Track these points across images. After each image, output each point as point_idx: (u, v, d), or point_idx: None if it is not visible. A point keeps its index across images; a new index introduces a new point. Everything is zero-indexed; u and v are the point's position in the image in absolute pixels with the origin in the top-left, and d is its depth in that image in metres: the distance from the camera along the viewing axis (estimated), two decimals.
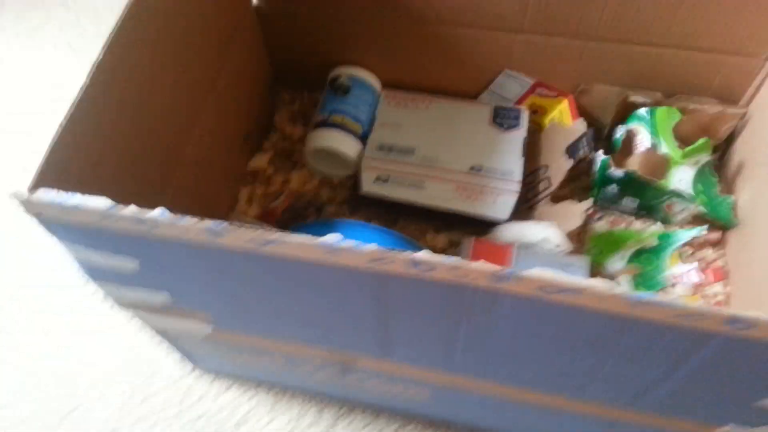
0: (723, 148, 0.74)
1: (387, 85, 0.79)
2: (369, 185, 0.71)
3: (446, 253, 0.71)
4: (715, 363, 0.38)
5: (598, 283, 0.35)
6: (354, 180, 0.76)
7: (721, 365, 0.38)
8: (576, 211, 0.67)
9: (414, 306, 0.41)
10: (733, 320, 0.34)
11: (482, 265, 0.35)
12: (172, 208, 0.37)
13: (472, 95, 0.78)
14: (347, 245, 0.36)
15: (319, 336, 0.48)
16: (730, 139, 0.72)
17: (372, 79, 0.78)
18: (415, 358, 0.48)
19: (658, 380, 0.42)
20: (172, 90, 0.59)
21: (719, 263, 0.70)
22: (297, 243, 0.36)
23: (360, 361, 0.51)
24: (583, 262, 0.64)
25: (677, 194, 0.67)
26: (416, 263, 0.36)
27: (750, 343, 0.35)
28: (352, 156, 0.73)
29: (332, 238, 0.36)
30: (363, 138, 0.74)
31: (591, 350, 0.40)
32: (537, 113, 0.78)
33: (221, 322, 0.50)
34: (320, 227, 0.65)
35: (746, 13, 0.61)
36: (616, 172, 0.67)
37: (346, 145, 0.73)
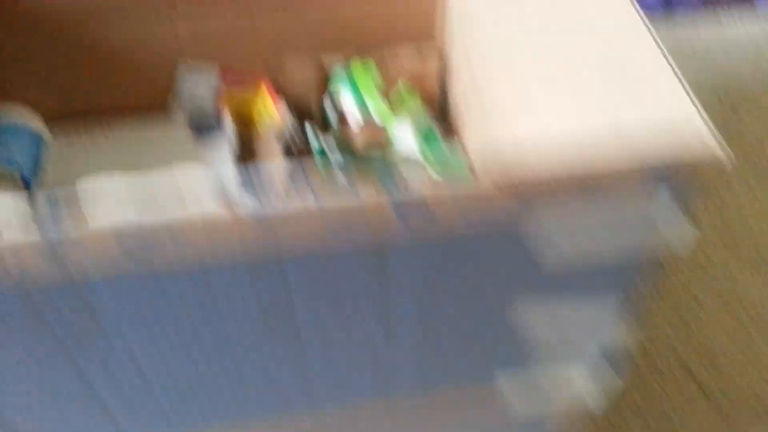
0: (439, 98, 0.70)
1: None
2: None
3: None
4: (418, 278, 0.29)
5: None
6: None
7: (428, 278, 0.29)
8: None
9: None
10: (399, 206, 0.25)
11: None
12: None
13: (159, 104, 0.66)
14: None
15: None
16: (443, 86, 0.68)
17: (20, 117, 0.61)
18: None
19: (384, 338, 0.32)
20: None
21: None
22: None
23: None
24: None
25: (409, 161, 0.60)
26: None
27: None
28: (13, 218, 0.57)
29: None
30: (27, 187, 0.58)
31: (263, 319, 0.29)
32: (240, 110, 0.68)
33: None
34: None
35: None
36: (335, 156, 0.58)
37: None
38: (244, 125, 0.67)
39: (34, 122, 0.62)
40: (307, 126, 0.60)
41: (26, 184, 0.58)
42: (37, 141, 0.61)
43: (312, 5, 0.58)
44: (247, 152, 0.64)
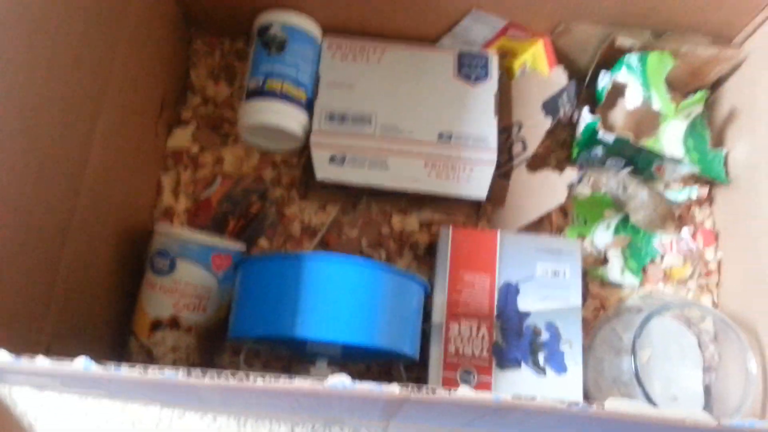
0: (709, 93, 0.67)
1: (327, 30, 0.65)
2: (324, 169, 0.59)
3: (416, 238, 0.64)
4: None
5: None
6: (303, 157, 0.64)
7: None
8: (558, 186, 0.58)
9: None
10: None
11: None
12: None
13: (432, 39, 0.67)
14: None
15: None
16: (718, 82, 0.65)
17: (311, 27, 0.63)
18: None
19: None
20: (69, 73, 0.44)
21: (707, 225, 0.65)
22: None
23: None
24: (574, 246, 0.57)
25: (671, 159, 0.60)
26: None
27: None
28: (298, 131, 0.60)
29: None
30: (308, 105, 0.61)
31: None
32: (506, 57, 0.67)
33: None
34: (289, 263, 0.49)
35: None
36: (606, 136, 0.59)
37: (289, 118, 0.60)
38: (507, 72, 0.67)
39: (316, 31, 0.64)
40: (585, 111, 0.60)
41: (309, 104, 0.61)
42: (318, 53, 0.63)
43: None
44: (505, 98, 0.65)
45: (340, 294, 0.47)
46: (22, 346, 0.43)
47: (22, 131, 0.40)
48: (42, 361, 0.27)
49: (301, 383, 0.30)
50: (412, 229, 0.63)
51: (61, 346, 0.47)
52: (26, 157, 0.41)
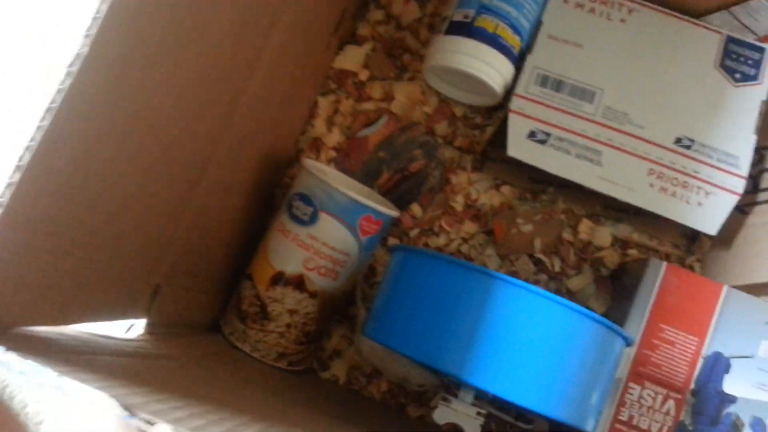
0: None
1: None
2: (518, 144, 0.47)
3: (604, 255, 0.50)
4: None
5: None
6: (494, 121, 0.52)
7: None
8: None
9: None
10: None
11: None
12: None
13: (698, 13, 0.50)
14: None
15: None
16: None
17: None
18: None
19: None
20: None
21: None
22: None
23: None
24: None
25: None
26: None
27: None
28: (498, 89, 0.47)
29: None
30: (520, 57, 0.48)
31: None
32: None
33: None
34: (472, 278, 0.36)
35: None
36: None
37: (494, 71, 0.46)
38: None
39: None
40: None
41: (520, 57, 0.48)
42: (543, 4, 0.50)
43: None
44: None
45: (527, 341, 0.35)
46: (130, 283, 0.35)
47: (192, 41, 0.31)
48: None
49: None
50: (601, 244, 0.50)
51: (171, 288, 0.38)
52: (194, 65, 0.32)
